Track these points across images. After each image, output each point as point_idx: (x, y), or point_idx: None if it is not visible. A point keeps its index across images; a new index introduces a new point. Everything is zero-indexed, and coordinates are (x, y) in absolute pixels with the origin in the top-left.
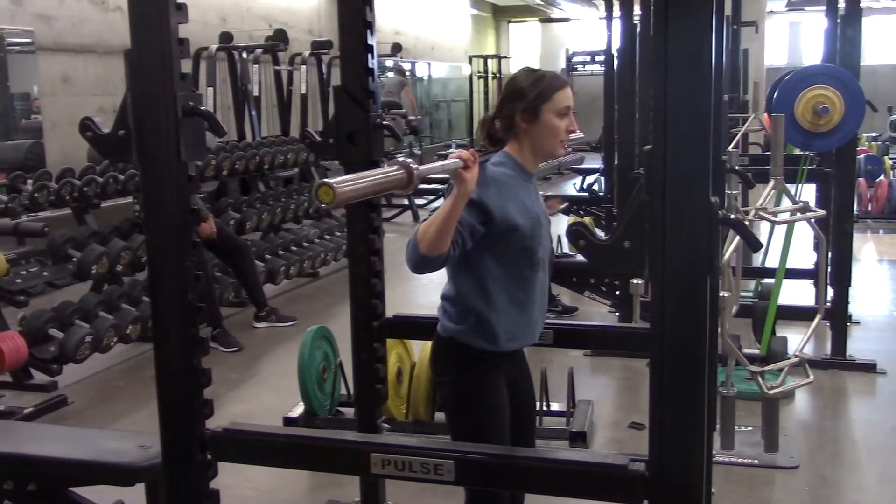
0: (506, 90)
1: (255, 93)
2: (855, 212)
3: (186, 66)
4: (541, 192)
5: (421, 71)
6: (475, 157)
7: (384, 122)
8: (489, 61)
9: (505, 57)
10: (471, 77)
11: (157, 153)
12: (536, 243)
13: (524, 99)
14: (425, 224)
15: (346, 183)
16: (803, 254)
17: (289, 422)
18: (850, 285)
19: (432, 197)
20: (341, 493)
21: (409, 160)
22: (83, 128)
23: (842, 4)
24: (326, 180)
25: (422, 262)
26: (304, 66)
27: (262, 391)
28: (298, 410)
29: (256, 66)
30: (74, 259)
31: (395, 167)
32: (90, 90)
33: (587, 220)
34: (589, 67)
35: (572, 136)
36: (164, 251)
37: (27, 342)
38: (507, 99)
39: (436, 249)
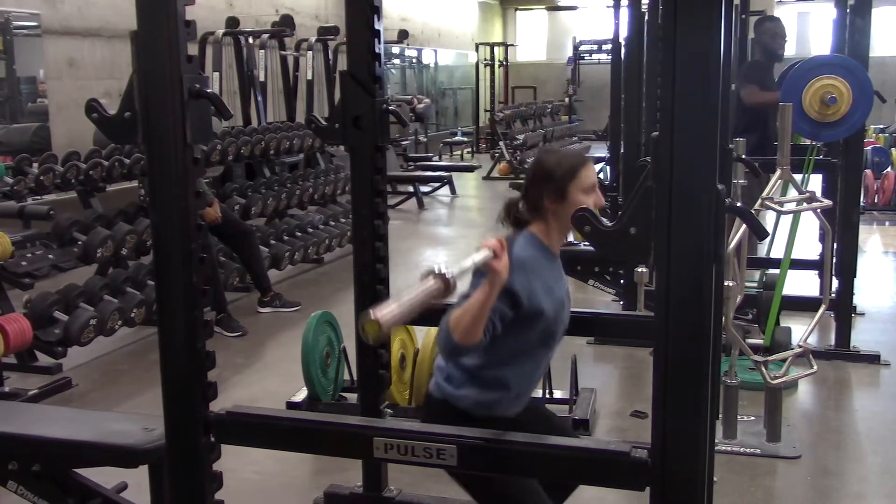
0: (531, 173)
1: (261, 78)
2: (861, 203)
3: (193, 50)
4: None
5: (427, 58)
6: (503, 246)
7: (390, 108)
8: (496, 49)
9: (512, 45)
10: (477, 64)
11: (162, 135)
12: (558, 325)
13: (551, 180)
14: (458, 312)
15: (390, 312)
16: (809, 244)
17: (292, 406)
18: (855, 276)
19: (437, 184)
20: (344, 477)
21: (442, 269)
22: (89, 109)
23: None
24: (370, 313)
25: (455, 351)
26: (310, 52)
27: (265, 376)
28: (302, 395)
29: (263, 51)
30: (80, 242)
31: (431, 280)
32: (96, 74)
33: None
34: (596, 56)
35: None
36: (170, 235)
37: (32, 324)
38: (533, 181)
39: (470, 339)
